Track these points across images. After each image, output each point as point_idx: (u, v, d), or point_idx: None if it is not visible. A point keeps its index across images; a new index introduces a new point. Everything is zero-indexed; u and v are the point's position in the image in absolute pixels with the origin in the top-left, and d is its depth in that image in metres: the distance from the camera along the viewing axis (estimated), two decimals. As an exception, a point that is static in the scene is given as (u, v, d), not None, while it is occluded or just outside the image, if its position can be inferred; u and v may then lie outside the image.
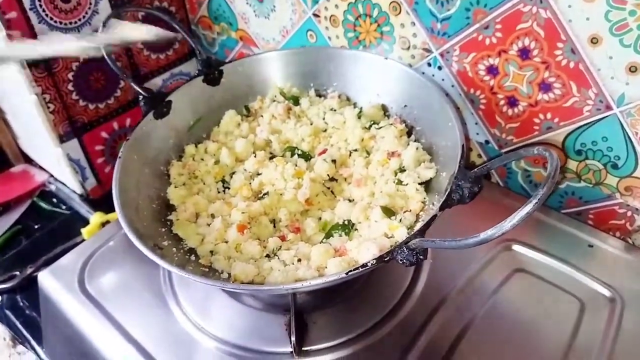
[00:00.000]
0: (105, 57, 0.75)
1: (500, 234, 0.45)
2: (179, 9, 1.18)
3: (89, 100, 1.05)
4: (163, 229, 0.70)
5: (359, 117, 0.84)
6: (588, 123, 0.73)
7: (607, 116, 0.71)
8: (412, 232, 0.56)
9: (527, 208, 0.44)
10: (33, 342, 0.89)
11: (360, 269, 0.54)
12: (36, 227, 1.12)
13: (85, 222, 1.05)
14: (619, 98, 0.69)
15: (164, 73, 1.19)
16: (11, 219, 1.13)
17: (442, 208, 0.58)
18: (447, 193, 0.59)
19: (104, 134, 1.12)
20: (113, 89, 1.09)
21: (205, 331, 0.71)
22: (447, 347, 0.66)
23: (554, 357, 0.64)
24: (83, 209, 1.13)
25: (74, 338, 0.76)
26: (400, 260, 0.54)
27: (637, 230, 0.78)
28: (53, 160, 1.10)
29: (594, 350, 0.64)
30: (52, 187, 1.20)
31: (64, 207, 1.16)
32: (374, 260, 0.54)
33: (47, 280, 0.82)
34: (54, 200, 1.18)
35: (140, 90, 0.78)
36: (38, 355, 0.89)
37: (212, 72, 0.87)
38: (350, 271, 0.54)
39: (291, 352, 0.66)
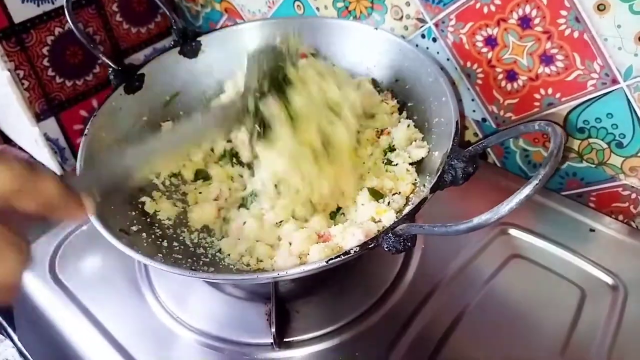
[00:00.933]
0: (71, 24, 0.70)
1: (495, 219, 0.42)
2: (160, -22, 1.12)
3: (66, 76, 1.01)
4: (133, 213, 0.67)
5: (348, 93, 0.79)
6: (592, 98, 0.70)
7: (612, 91, 0.68)
8: (400, 217, 0.52)
9: (527, 190, 0.40)
10: (9, 330, 0.86)
11: (342, 257, 0.51)
12: (14, 210, 1.08)
13: (65, 204, 1.01)
14: (627, 71, 0.65)
15: (145, 48, 1.14)
16: (-12, 202, 1.10)
17: (433, 190, 0.55)
18: (439, 174, 0.56)
19: (83, 113, 1.07)
20: (91, 64, 1.04)
21: (182, 321, 0.68)
22: (438, 337, 0.63)
23: (552, 348, 0.62)
24: (62, 191, 1.09)
25: (45, 328, 0.73)
26: (387, 247, 0.51)
27: (641, 213, 0.75)
28: (31, 140, 1.06)
29: (595, 341, 0.62)
30: (31, 168, 1.16)
31: (43, 189, 1.11)
32: (357, 248, 0.51)
33: (17, 266, 0.78)
34: (33, 182, 1.13)
35: (109, 62, 0.73)
36: (15, 344, 0.86)
37: (189, 44, 0.82)
38: (331, 259, 0.51)
39: (272, 343, 0.62)
